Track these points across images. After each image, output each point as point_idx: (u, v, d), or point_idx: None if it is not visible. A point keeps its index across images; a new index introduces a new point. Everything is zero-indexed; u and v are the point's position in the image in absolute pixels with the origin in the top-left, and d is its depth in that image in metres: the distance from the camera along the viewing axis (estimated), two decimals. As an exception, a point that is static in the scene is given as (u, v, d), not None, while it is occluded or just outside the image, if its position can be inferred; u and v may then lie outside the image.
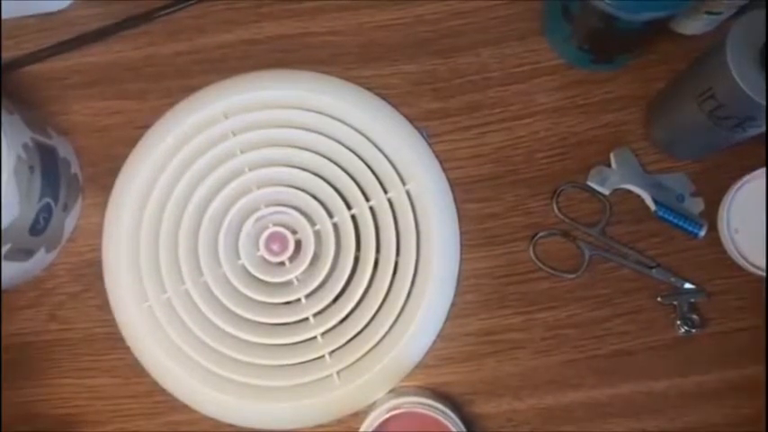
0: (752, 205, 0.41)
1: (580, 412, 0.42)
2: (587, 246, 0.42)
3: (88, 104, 0.45)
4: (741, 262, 0.41)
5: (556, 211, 0.43)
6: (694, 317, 0.41)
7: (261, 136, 0.42)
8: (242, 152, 0.42)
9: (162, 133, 0.43)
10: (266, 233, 0.41)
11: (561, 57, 0.44)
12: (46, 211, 0.40)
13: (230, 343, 0.40)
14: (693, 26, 0.43)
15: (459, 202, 0.43)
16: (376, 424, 0.37)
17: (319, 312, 0.40)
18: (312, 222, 0.41)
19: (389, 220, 0.41)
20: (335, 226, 0.41)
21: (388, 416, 0.37)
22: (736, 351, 0.42)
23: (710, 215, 0.42)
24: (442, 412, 0.37)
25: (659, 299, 0.42)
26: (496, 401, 0.42)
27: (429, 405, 0.37)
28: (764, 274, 0.40)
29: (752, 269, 0.41)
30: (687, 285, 0.42)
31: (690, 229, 0.42)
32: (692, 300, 0.42)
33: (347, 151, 0.42)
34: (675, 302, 0.42)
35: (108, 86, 0.45)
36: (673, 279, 0.42)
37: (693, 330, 0.41)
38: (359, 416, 0.40)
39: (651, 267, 0.42)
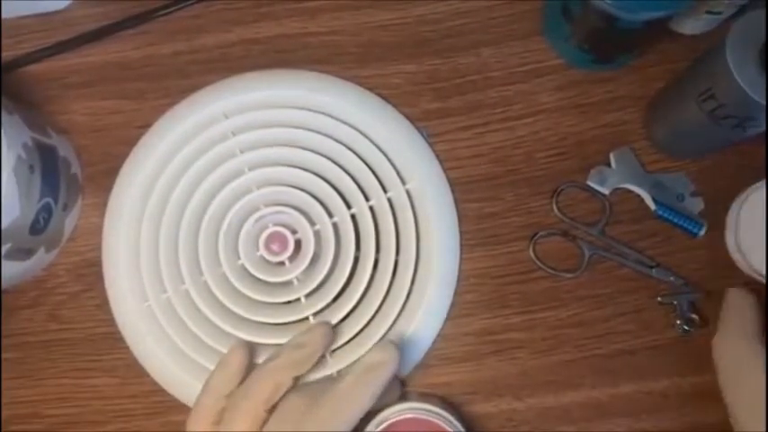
0: (759, 215, 0.41)
1: (580, 412, 0.42)
2: (587, 245, 0.42)
3: (87, 104, 0.45)
4: (751, 273, 0.41)
5: (555, 210, 0.43)
6: (694, 316, 0.41)
7: (260, 136, 0.42)
8: (242, 152, 0.42)
9: (161, 133, 0.43)
10: (266, 233, 0.41)
11: (561, 57, 0.44)
12: (46, 211, 0.40)
13: (230, 343, 0.40)
14: (693, 26, 0.43)
15: (459, 202, 0.43)
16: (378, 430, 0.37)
17: (319, 312, 0.40)
18: (312, 222, 0.41)
19: (389, 220, 0.41)
20: (335, 226, 0.41)
21: (390, 422, 0.37)
22: (735, 351, 0.42)
23: (710, 215, 0.42)
24: (445, 418, 0.37)
25: (659, 299, 0.42)
26: (496, 401, 0.42)
27: (428, 410, 0.37)
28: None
29: (758, 278, 0.40)
30: (687, 285, 0.42)
31: (689, 228, 0.42)
32: (692, 299, 0.42)
33: (347, 151, 0.42)
34: (675, 302, 0.42)
35: (107, 86, 0.45)
36: (672, 278, 0.42)
37: (693, 330, 0.41)
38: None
39: (651, 267, 0.42)
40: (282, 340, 0.39)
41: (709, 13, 0.41)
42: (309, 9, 0.45)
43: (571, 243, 0.43)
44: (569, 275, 0.42)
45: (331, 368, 0.40)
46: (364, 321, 0.40)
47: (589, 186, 0.43)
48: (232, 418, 0.34)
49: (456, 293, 0.42)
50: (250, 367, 0.37)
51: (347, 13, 0.45)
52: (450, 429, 0.37)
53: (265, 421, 0.34)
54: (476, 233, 0.43)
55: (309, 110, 0.42)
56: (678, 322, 0.42)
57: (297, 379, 0.36)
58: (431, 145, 0.43)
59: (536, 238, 0.43)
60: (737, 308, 0.39)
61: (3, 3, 0.44)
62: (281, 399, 0.35)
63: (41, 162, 0.39)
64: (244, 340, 0.39)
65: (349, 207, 0.41)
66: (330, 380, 0.39)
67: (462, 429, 0.37)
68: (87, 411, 0.42)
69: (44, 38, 0.45)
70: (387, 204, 0.41)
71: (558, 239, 0.43)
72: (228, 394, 0.35)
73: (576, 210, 0.43)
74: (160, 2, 0.45)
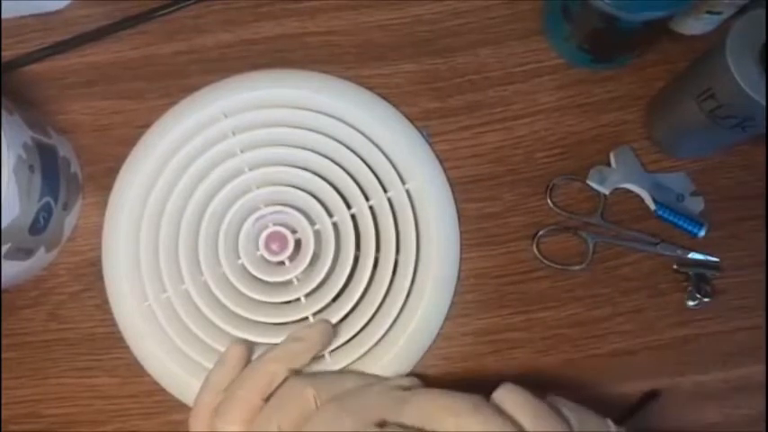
0: None
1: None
2: (590, 235, 0.42)
3: (87, 104, 0.45)
4: None
5: (550, 203, 0.43)
6: (707, 287, 0.42)
7: (260, 135, 0.42)
8: (242, 152, 0.42)
9: (161, 133, 0.43)
10: (266, 233, 0.41)
11: (561, 56, 0.44)
12: (46, 211, 0.40)
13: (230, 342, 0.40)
14: (694, 26, 0.43)
15: (459, 202, 0.43)
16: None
17: (319, 312, 0.40)
18: (312, 222, 0.41)
19: (389, 220, 0.41)
20: (335, 225, 0.41)
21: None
22: (736, 351, 0.42)
23: (710, 215, 0.42)
24: None
25: (675, 266, 0.42)
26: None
27: None
28: None
29: None
30: (694, 255, 0.42)
31: (689, 228, 0.42)
32: (704, 272, 0.42)
33: (347, 151, 0.42)
34: (690, 272, 0.42)
35: (107, 86, 0.45)
36: (679, 251, 0.42)
37: (706, 299, 0.41)
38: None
39: (656, 244, 0.42)
40: (282, 340, 0.39)
41: (709, 13, 0.41)
42: (309, 9, 0.45)
43: (573, 237, 0.43)
44: (577, 268, 0.42)
45: (330, 368, 0.40)
46: (364, 321, 0.40)
47: (588, 186, 0.43)
48: (227, 406, 0.34)
49: (456, 293, 0.42)
50: (248, 363, 0.37)
51: (346, 13, 0.45)
52: None
53: (261, 410, 0.34)
54: (476, 233, 0.43)
55: (309, 110, 0.42)
56: (690, 289, 0.42)
57: (293, 372, 0.36)
58: (431, 145, 0.43)
59: (539, 236, 0.42)
60: None
61: (3, 3, 0.44)
62: (279, 385, 0.35)
63: (41, 162, 0.39)
64: (243, 338, 0.39)
65: (349, 207, 0.41)
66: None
67: None
68: (87, 411, 0.42)
69: (44, 38, 0.45)
70: (387, 204, 0.41)
71: (560, 237, 0.43)
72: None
73: (575, 206, 0.43)
74: (160, 2, 0.45)
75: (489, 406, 0.32)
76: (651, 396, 0.41)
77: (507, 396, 0.32)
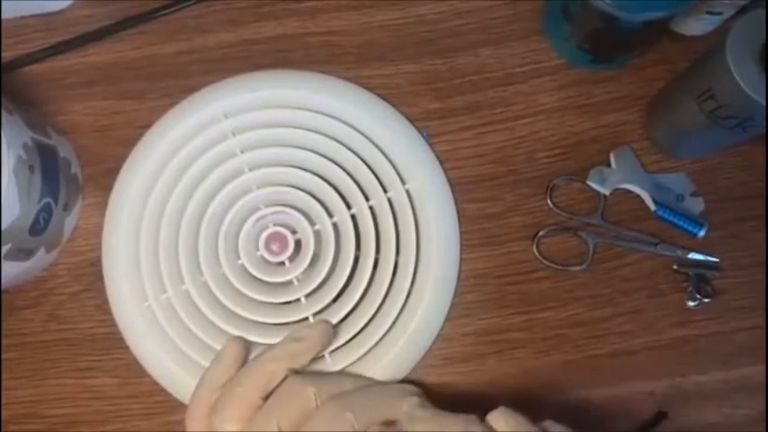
0: None
1: (580, 412, 0.42)
2: (590, 236, 0.42)
3: (88, 104, 0.45)
4: None
5: (550, 204, 0.43)
6: (707, 287, 0.42)
7: (261, 136, 0.42)
8: (242, 152, 0.42)
9: (162, 133, 0.43)
10: (266, 233, 0.41)
11: (561, 56, 0.44)
12: (46, 211, 0.40)
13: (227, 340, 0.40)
14: (694, 26, 0.43)
15: (459, 202, 0.43)
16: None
17: (319, 312, 0.40)
18: (312, 222, 0.41)
19: (389, 220, 0.41)
20: (335, 226, 0.41)
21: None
22: (736, 351, 0.42)
23: (710, 215, 0.42)
24: None
25: (675, 266, 0.42)
26: (496, 402, 0.42)
27: None
28: None
29: None
30: (694, 256, 0.42)
31: (689, 229, 0.42)
32: (704, 272, 0.42)
33: (347, 151, 0.42)
34: (690, 272, 0.42)
35: (108, 86, 0.45)
36: (679, 252, 0.42)
37: (706, 300, 0.41)
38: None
39: (656, 244, 0.42)
40: (282, 340, 0.39)
41: (709, 13, 0.41)
42: (309, 9, 0.45)
43: (574, 238, 0.43)
44: (577, 268, 0.42)
45: (330, 368, 0.40)
46: (364, 321, 0.40)
47: (588, 186, 0.43)
48: (225, 403, 0.34)
49: (456, 294, 0.42)
50: (245, 361, 0.37)
51: (347, 14, 0.45)
52: None
53: (259, 408, 0.34)
54: (476, 233, 0.43)
55: (309, 110, 0.42)
56: (691, 289, 0.42)
57: (292, 371, 0.36)
58: (431, 145, 0.43)
59: (539, 236, 0.42)
60: None
61: (3, 3, 0.44)
62: (279, 384, 0.35)
63: (41, 162, 0.39)
64: (239, 335, 0.39)
65: (349, 207, 0.41)
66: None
67: None
68: (87, 411, 0.42)
69: (45, 38, 0.45)
70: (387, 204, 0.41)
71: (560, 237, 0.43)
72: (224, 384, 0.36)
73: (575, 206, 0.43)
74: (161, 2, 0.45)
75: (481, 425, 0.32)
76: (660, 417, 0.41)
77: (499, 419, 0.33)
